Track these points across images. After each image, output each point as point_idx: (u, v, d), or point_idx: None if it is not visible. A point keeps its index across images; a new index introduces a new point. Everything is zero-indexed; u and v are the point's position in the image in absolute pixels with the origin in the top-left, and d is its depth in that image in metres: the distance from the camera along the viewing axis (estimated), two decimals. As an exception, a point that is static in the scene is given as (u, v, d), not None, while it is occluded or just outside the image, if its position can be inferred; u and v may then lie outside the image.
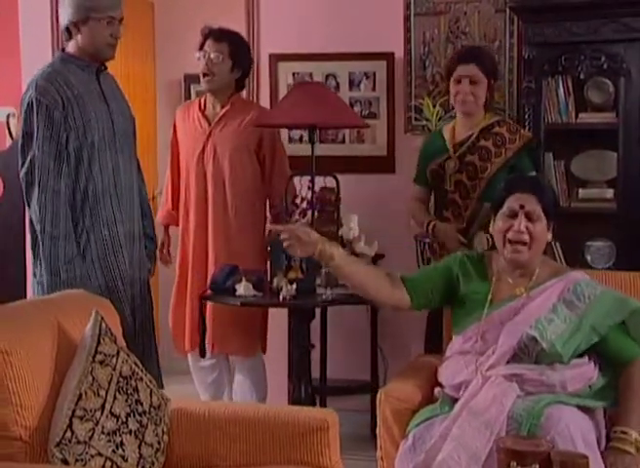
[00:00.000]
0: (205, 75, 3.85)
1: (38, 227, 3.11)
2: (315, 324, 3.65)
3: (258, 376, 4.02)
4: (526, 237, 2.65)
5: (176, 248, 4.07)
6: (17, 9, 4.70)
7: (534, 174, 3.51)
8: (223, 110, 3.90)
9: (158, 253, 4.07)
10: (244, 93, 4.22)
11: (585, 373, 2.59)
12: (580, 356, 2.63)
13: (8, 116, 4.70)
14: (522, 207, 2.67)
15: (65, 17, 3.21)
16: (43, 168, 3.08)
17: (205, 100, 3.98)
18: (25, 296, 4.41)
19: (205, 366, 4.03)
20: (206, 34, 3.88)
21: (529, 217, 2.66)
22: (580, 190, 3.85)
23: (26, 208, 3.23)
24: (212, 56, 3.82)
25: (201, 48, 3.86)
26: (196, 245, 3.91)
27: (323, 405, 3.81)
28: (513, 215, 2.68)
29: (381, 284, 2.77)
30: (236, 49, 3.85)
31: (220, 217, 3.87)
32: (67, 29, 3.22)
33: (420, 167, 3.73)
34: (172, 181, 4.07)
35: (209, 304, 3.70)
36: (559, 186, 3.82)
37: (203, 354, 3.60)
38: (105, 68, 3.31)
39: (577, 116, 3.81)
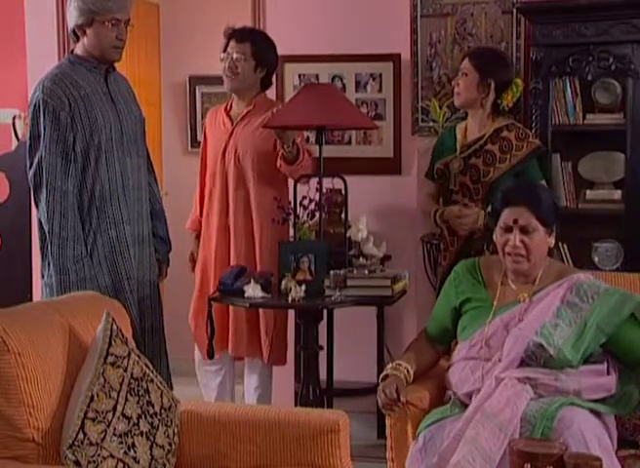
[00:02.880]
0: (227, 75, 3.84)
1: (47, 228, 3.11)
2: (322, 325, 3.64)
3: (264, 385, 4.02)
4: (522, 251, 2.66)
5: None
6: (22, 11, 4.70)
7: (542, 181, 3.47)
8: (246, 109, 3.88)
9: (189, 263, 4.05)
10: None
11: (604, 385, 2.58)
12: (597, 362, 2.61)
13: (14, 118, 4.70)
14: (515, 221, 2.67)
15: (72, 19, 3.21)
16: (50, 169, 3.09)
17: (231, 103, 3.97)
18: (31, 297, 4.42)
19: (210, 370, 4.03)
20: (229, 35, 3.85)
21: (524, 231, 2.66)
22: (588, 191, 3.84)
23: (34, 209, 3.23)
24: (235, 56, 3.80)
25: (225, 49, 3.84)
26: (218, 247, 3.86)
27: (330, 406, 3.80)
28: (508, 230, 2.68)
29: (432, 359, 2.90)
30: (259, 48, 3.82)
31: (242, 218, 3.83)
32: (74, 32, 3.22)
33: (431, 163, 3.72)
34: (200, 189, 4.00)
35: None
36: (566, 188, 3.81)
37: (211, 356, 3.59)
38: (114, 69, 3.31)
39: (584, 117, 3.80)
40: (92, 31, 3.18)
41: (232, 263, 3.82)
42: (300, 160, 3.72)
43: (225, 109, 3.96)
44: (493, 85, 3.49)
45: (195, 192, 4.07)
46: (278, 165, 3.75)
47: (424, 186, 3.78)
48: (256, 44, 3.83)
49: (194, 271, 4.05)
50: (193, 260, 4.05)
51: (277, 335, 3.95)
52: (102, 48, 3.20)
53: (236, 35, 3.84)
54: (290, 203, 3.76)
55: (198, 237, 4.04)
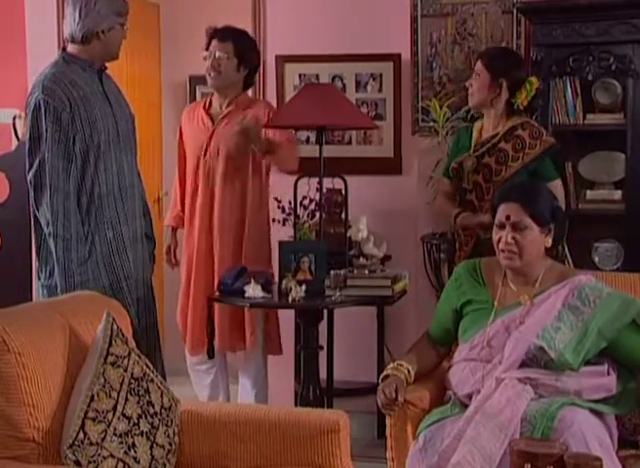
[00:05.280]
0: (210, 74, 3.86)
1: (50, 230, 3.08)
2: (322, 325, 3.64)
3: (259, 384, 4.03)
4: (514, 248, 2.66)
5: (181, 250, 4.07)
6: (23, 11, 4.70)
7: (557, 180, 3.44)
8: (228, 109, 3.91)
9: (165, 256, 4.08)
10: (250, 93, 4.22)
11: (604, 385, 2.58)
12: (597, 363, 2.61)
13: (14, 118, 4.70)
14: (508, 218, 2.67)
15: (95, 24, 3.15)
16: (53, 170, 3.06)
17: (210, 100, 3.98)
18: (31, 297, 4.41)
19: (202, 368, 4.04)
20: (211, 34, 3.88)
21: (516, 228, 2.66)
22: (588, 191, 3.84)
23: (32, 210, 3.20)
24: (217, 55, 3.83)
25: (207, 48, 3.87)
26: (201, 246, 3.89)
27: (330, 406, 3.80)
28: (502, 227, 2.69)
29: (434, 360, 2.89)
30: (241, 47, 3.85)
31: (227, 216, 3.86)
32: (91, 35, 3.18)
33: (447, 162, 3.70)
34: (180, 184, 4.05)
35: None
36: (567, 188, 3.81)
37: (212, 355, 3.60)
38: (106, 68, 3.30)
39: (584, 117, 3.81)
40: (110, 34, 3.17)
41: (216, 263, 3.84)
42: (279, 148, 3.77)
43: (204, 107, 3.97)
44: (505, 84, 3.44)
45: (174, 188, 4.10)
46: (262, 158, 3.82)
47: (440, 185, 3.75)
48: (238, 43, 3.86)
49: (172, 266, 4.10)
50: (169, 254, 4.07)
51: (271, 324, 3.98)
52: (115, 49, 3.22)
53: (218, 34, 3.87)
54: (290, 202, 3.78)
55: (175, 231, 4.10)
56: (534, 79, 3.50)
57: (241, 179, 3.86)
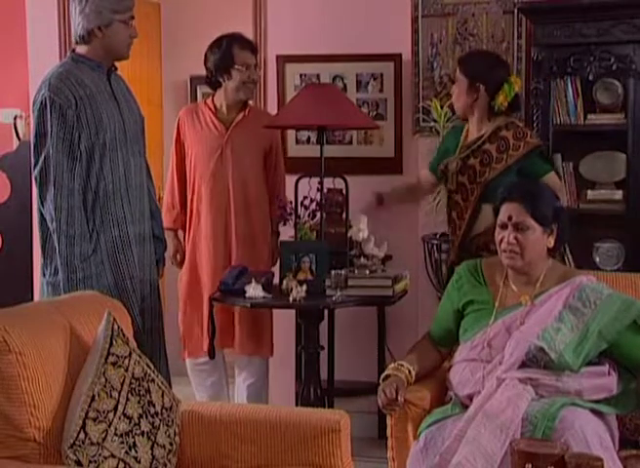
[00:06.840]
0: (246, 83, 3.89)
1: (54, 226, 3.10)
2: (323, 325, 3.64)
3: (260, 383, 4.04)
4: (516, 248, 2.67)
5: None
6: (24, 11, 4.70)
7: (550, 173, 3.39)
8: (241, 115, 3.93)
9: (173, 259, 4.08)
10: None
11: (605, 385, 2.58)
12: (598, 363, 2.61)
13: (15, 117, 4.72)
14: (510, 218, 2.68)
15: (88, 22, 3.17)
16: (58, 166, 3.08)
17: (213, 104, 3.98)
18: (32, 296, 4.42)
19: (204, 368, 4.04)
20: (243, 45, 3.91)
21: (518, 228, 2.67)
22: (589, 191, 3.83)
23: (35, 209, 3.22)
24: (253, 66, 3.90)
25: (242, 60, 3.87)
26: (217, 248, 3.90)
27: (330, 406, 3.81)
28: (504, 227, 2.70)
29: (435, 361, 2.90)
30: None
31: (242, 220, 3.90)
32: (88, 34, 3.19)
33: (434, 158, 3.71)
34: (178, 185, 4.05)
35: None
36: (567, 188, 3.81)
37: (213, 356, 3.60)
38: (116, 69, 3.32)
39: (585, 117, 3.80)
40: (110, 31, 3.17)
41: (233, 264, 3.84)
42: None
43: (211, 111, 3.97)
44: (482, 88, 3.40)
45: (169, 189, 4.09)
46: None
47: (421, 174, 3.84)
48: (255, 53, 3.95)
49: (179, 266, 4.10)
50: (176, 256, 4.08)
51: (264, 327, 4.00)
52: (119, 47, 3.22)
53: (251, 46, 3.93)
54: (291, 202, 3.78)
55: (176, 232, 4.10)
56: (513, 78, 3.44)
57: (252, 183, 3.91)
